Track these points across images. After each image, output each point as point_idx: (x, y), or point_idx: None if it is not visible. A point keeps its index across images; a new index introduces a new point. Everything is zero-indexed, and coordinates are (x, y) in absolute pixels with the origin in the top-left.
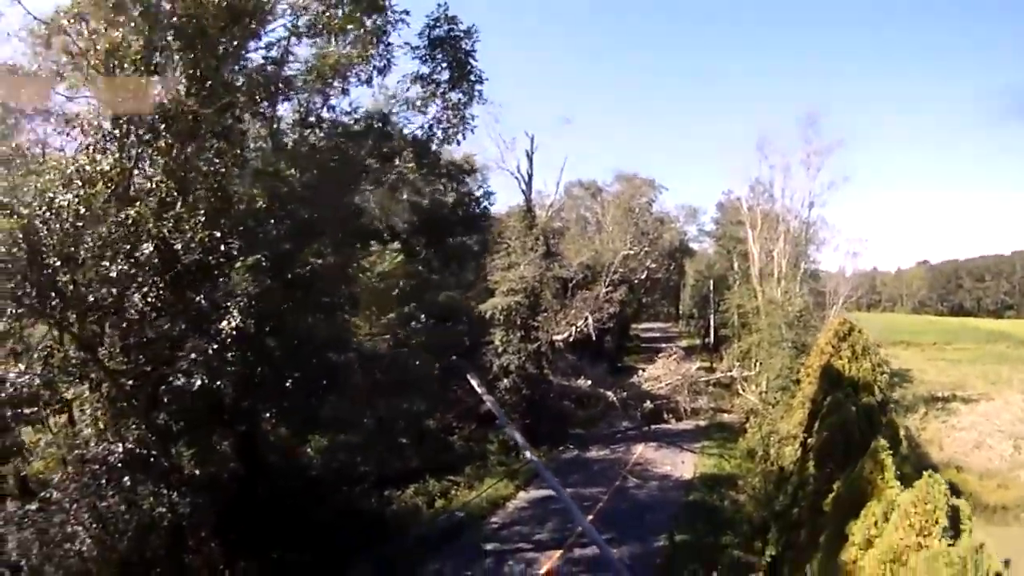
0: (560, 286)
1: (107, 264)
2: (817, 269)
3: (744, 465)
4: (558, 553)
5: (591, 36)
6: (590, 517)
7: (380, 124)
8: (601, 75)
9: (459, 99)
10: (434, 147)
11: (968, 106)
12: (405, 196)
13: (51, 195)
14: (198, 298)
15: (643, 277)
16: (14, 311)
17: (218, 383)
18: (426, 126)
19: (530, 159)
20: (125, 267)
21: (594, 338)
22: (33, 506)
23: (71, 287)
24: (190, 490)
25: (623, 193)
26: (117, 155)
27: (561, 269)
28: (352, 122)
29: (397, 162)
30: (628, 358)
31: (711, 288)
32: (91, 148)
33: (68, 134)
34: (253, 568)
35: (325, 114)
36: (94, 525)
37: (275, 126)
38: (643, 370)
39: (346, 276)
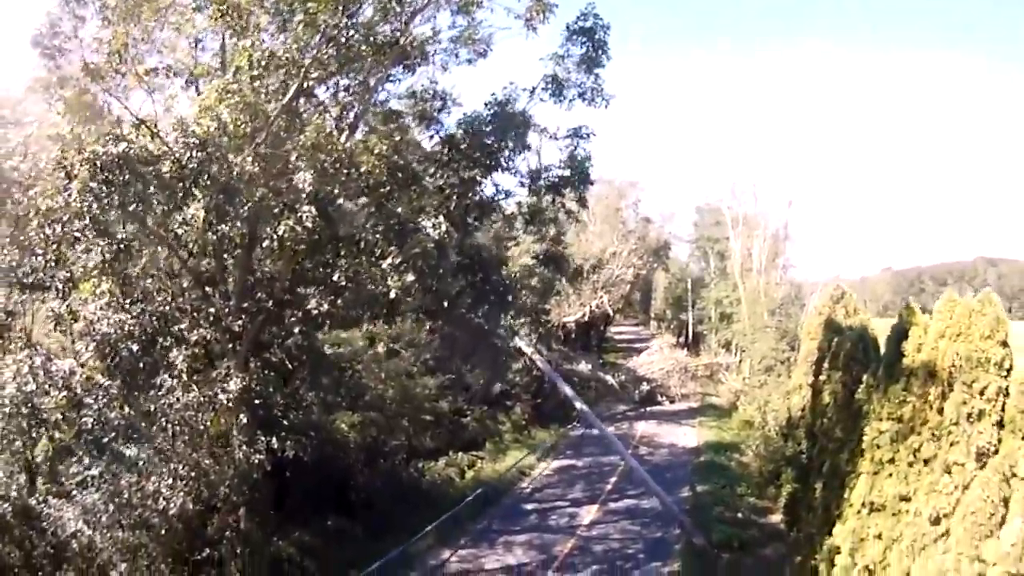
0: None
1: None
2: (792, 267)
3: (743, 433)
4: (596, 506)
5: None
6: (614, 478)
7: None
8: None
9: (586, 79)
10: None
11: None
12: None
13: (217, 112)
14: (398, 209)
15: (631, 274)
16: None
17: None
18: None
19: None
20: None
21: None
22: (95, 471)
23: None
24: (287, 434)
25: (609, 194)
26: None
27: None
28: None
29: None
30: (607, 356)
31: (688, 287)
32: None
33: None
34: (306, 534)
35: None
36: (192, 475)
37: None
38: (635, 356)
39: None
